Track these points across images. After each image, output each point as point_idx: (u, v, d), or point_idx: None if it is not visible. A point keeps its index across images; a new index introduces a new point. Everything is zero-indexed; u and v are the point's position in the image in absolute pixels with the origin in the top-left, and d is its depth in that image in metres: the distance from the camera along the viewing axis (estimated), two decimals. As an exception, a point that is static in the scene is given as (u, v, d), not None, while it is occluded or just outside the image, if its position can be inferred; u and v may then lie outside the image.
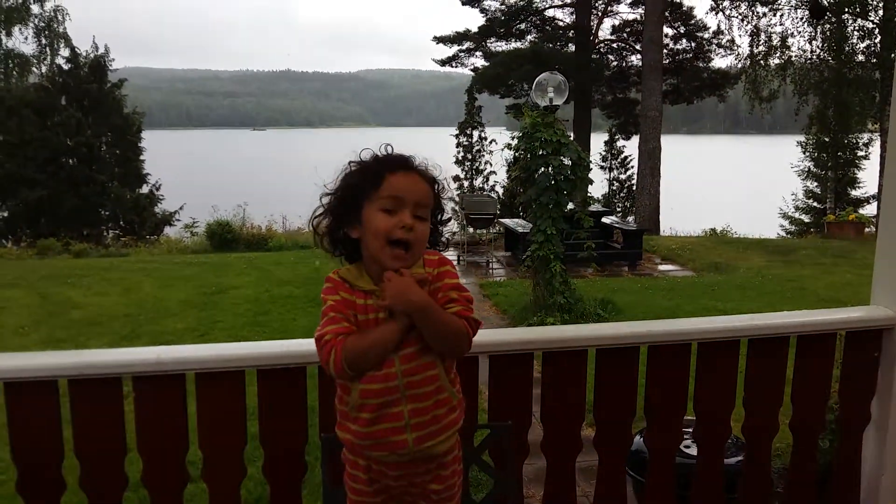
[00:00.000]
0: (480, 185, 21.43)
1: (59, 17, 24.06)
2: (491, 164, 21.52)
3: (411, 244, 1.57)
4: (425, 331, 1.57)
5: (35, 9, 23.64)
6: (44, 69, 23.82)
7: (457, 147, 21.53)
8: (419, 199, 1.59)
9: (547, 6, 24.76)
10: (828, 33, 19.99)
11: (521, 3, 24.29)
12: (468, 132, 21.49)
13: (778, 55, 21.06)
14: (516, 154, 8.29)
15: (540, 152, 7.66)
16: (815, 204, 24.15)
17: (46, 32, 23.81)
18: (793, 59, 20.92)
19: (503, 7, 24.33)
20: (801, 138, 23.75)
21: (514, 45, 24.82)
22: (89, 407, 2.08)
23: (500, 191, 20.73)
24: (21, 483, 2.08)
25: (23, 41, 23.68)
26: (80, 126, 21.35)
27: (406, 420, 1.60)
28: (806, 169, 24.14)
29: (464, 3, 24.13)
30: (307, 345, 2.11)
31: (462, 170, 21.49)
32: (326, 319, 1.59)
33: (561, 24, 25.17)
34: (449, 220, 1.75)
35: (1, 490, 2.11)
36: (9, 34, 23.20)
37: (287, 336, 7.08)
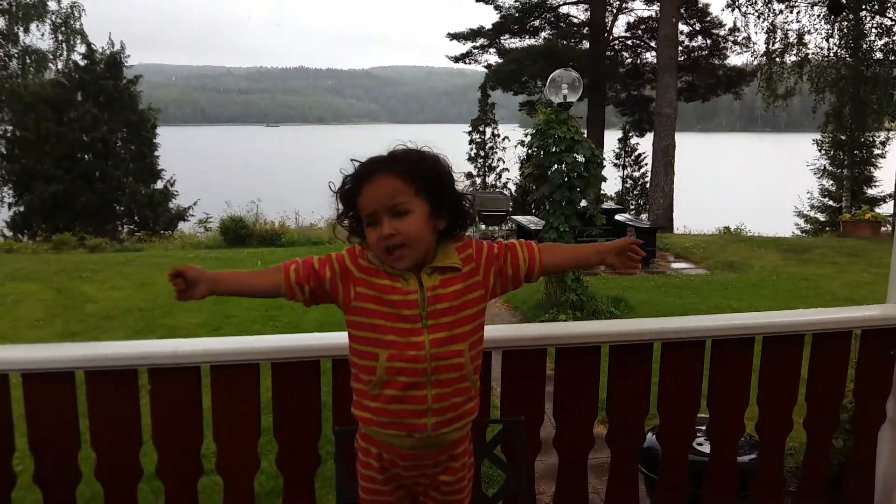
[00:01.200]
0: (493, 182, 21.42)
1: (76, 14, 24.19)
2: (504, 161, 21.53)
3: (403, 243, 1.59)
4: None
5: (52, 5, 23.79)
6: (60, 65, 23.96)
7: (470, 144, 21.54)
8: (388, 202, 1.58)
9: (561, 3, 24.68)
10: (845, 30, 19.81)
11: (536, -1, 24.24)
12: (481, 129, 21.49)
13: (794, 52, 20.89)
14: (529, 151, 8.27)
15: (553, 149, 7.64)
16: (830, 202, 23.94)
17: (63, 29, 23.94)
18: (809, 56, 20.75)
19: (517, 4, 24.26)
20: (818, 136, 23.54)
21: (528, 41, 24.78)
22: (106, 398, 2.10)
23: (513, 188, 20.72)
24: (38, 473, 2.10)
25: (39, 37, 23.80)
26: (96, 122, 21.49)
27: (429, 404, 1.62)
28: (822, 167, 23.94)
29: (478, 0, 24.08)
30: (321, 339, 2.13)
31: (475, 166, 21.48)
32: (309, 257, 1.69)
33: (575, 20, 25.09)
34: (453, 181, 1.71)
35: (18, 480, 2.13)
36: (26, 30, 23.35)
37: (299, 330, 7.11)
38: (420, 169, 1.62)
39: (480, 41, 24.78)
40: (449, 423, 1.65)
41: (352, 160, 1.65)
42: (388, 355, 1.61)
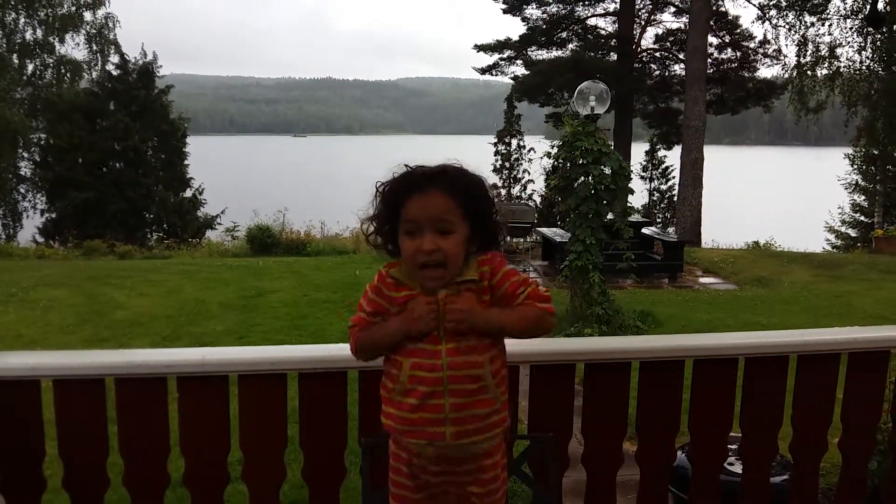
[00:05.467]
0: (518, 194, 21.38)
1: (110, 25, 24.67)
2: (529, 173, 21.49)
3: (442, 262, 1.60)
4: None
5: (87, 16, 24.30)
6: (94, 75, 24.43)
7: (495, 155, 21.52)
8: (437, 218, 1.60)
9: (589, 15, 24.63)
10: (878, 43, 19.52)
11: (563, 11, 24.19)
12: (507, 140, 21.47)
13: (826, 65, 20.62)
14: (556, 163, 8.24)
15: (580, 161, 7.60)
16: (862, 218, 23.56)
17: (97, 39, 24.42)
18: (841, 69, 20.46)
19: (545, 16, 24.25)
20: (849, 150, 23.20)
21: (555, 53, 24.71)
22: (134, 405, 2.11)
23: (538, 199, 20.67)
24: (67, 479, 2.12)
25: (74, 47, 24.29)
26: (128, 131, 21.85)
27: (446, 413, 1.63)
28: (853, 182, 23.58)
29: (505, 12, 24.13)
30: (348, 349, 2.12)
31: (500, 178, 21.46)
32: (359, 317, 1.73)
33: (603, 32, 25.00)
34: (497, 211, 1.70)
35: (47, 485, 2.15)
36: (62, 41, 23.85)
37: (324, 340, 7.13)
38: (472, 193, 1.65)
39: (507, 53, 24.77)
40: (470, 434, 1.65)
41: (405, 165, 1.67)
42: (411, 364, 1.64)
